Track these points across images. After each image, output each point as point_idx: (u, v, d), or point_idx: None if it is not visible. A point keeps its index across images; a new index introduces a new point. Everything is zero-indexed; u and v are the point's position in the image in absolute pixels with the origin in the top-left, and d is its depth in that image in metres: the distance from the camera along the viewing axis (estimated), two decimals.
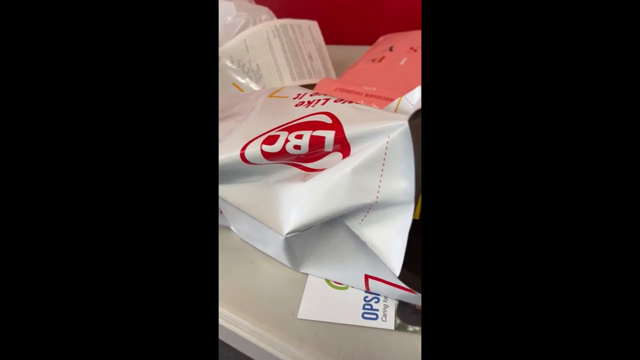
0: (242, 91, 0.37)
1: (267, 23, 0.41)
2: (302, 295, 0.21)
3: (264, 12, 0.45)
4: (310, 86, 0.40)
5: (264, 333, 0.20)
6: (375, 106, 0.34)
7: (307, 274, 0.22)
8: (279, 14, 0.46)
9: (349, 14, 0.55)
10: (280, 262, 0.23)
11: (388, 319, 0.19)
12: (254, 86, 0.38)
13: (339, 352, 0.18)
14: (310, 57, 0.42)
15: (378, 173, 0.16)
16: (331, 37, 0.53)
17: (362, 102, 0.34)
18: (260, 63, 0.40)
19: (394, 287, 0.18)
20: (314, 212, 0.18)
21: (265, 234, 0.21)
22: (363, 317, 0.19)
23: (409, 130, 0.16)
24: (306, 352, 0.18)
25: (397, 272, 0.16)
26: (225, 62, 0.39)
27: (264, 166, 0.21)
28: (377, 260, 0.18)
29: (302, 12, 0.48)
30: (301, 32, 0.43)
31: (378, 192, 0.17)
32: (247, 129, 0.22)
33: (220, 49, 0.42)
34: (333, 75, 0.44)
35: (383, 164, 0.16)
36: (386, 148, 0.16)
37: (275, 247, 0.21)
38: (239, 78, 0.38)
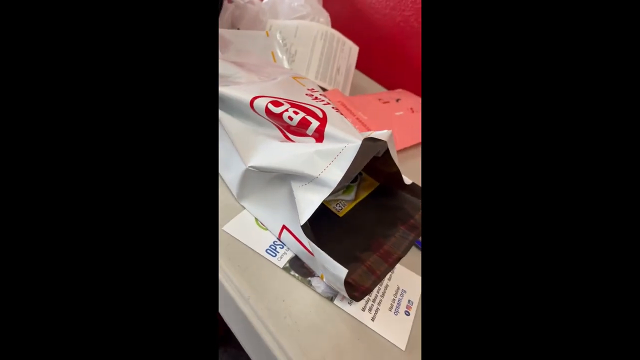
0: (275, 61, 0.44)
1: (322, 26, 0.49)
2: (234, 217, 0.27)
3: (324, 16, 0.52)
4: (323, 89, 0.48)
5: None
6: (357, 128, 0.41)
7: (244, 208, 0.28)
8: (335, 23, 0.53)
9: (388, 58, 0.63)
10: (228, 189, 0.29)
11: (281, 261, 0.26)
12: (286, 64, 0.45)
13: (238, 262, 0.25)
14: (338, 71, 0.50)
15: (328, 161, 0.24)
16: (363, 65, 0.61)
17: (350, 119, 0.41)
18: (299, 51, 0.47)
19: (297, 242, 0.25)
20: (276, 162, 0.25)
21: (233, 161, 0.27)
22: (266, 251, 0.26)
23: (359, 146, 0.23)
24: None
25: (302, 222, 0.23)
26: (275, 34, 0.45)
27: (261, 118, 0.27)
28: (296, 219, 0.24)
29: (353, 33, 0.56)
30: (342, 48, 0.50)
31: (322, 172, 0.23)
32: (264, 88, 0.28)
33: (274, 20, 0.48)
34: (347, 93, 0.51)
35: (334, 158, 0.24)
36: (342, 149, 0.23)
37: (233, 174, 0.28)
38: (278, 51, 0.45)
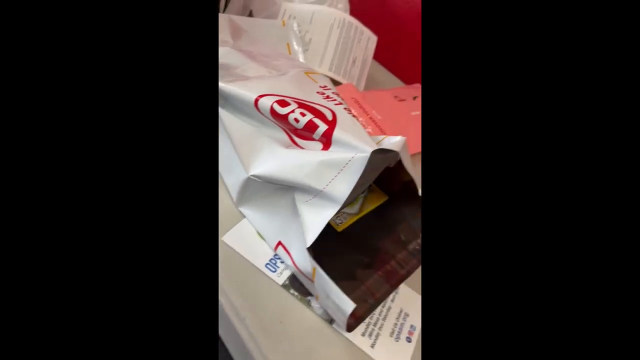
0: (290, 53, 0.41)
1: (339, 12, 0.45)
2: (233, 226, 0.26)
3: (343, 2, 0.48)
4: (337, 82, 0.45)
5: None
6: (369, 129, 0.39)
7: (244, 217, 0.27)
8: (354, 8, 0.49)
9: (408, 50, 0.59)
10: (228, 193, 0.27)
11: (281, 277, 0.24)
12: (301, 56, 0.42)
13: (236, 276, 0.23)
14: (354, 62, 0.46)
15: (334, 173, 0.21)
16: (381, 56, 0.57)
17: (362, 119, 0.38)
18: (314, 40, 0.44)
19: (291, 261, 0.23)
20: (278, 172, 0.23)
21: (235, 164, 0.25)
22: (265, 266, 0.24)
23: (367, 158, 0.21)
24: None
25: (309, 243, 0.21)
26: (292, 24, 0.42)
27: (265, 118, 0.25)
28: (293, 237, 0.23)
29: (372, 20, 0.52)
30: (359, 38, 0.47)
31: (327, 185, 0.21)
32: (272, 84, 0.26)
33: (289, 3, 0.45)
34: (361, 87, 0.48)
35: (341, 169, 0.21)
36: (349, 160, 0.21)
37: (235, 179, 0.26)
38: (294, 43, 0.42)
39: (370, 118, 0.40)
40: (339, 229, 0.29)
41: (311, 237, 0.21)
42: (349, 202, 0.22)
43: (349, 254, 0.27)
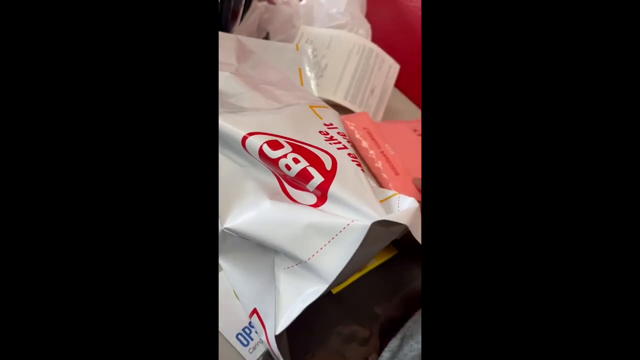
0: (302, 82, 0.38)
1: (360, 38, 0.42)
2: None
3: (365, 27, 0.45)
4: (351, 111, 0.41)
5: None
6: (379, 165, 0.34)
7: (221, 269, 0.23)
8: (376, 34, 0.46)
9: None
10: None
11: (254, 353, 0.20)
12: (313, 83, 0.38)
13: None
14: (372, 92, 0.43)
15: (324, 242, 0.17)
16: (403, 83, 0.53)
17: (373, 153, 0.34)
18: (330, 65, 0.41)
19: (265, 338, 0.19)
20: (258, 229, 0.19)
21: None
22: (237, 337, 0.20)
23: (367, 230, 0.16)
24: None
25: (278, 331, 0.17)
26: (306, 49, 0.39)
27: (254, 159, 0.21)
28: (270, 306, 0.18)
29: (395, 46, 0.49)
30: (380, 66, 0.43)
31: (313, 255, 0.17)
32: (267, 120, 0.23)
33: (307, 27, 0.42)
34: (378, 118, 0.44)
35: (332, 238, 0.17)
36: (344, 228, 0.17)
37: None
38: (307, 68, 0.39)
39: (382, 152, 0.36)
40: (334, 291, 0.24)
41: (283, 321, 0.17)
42: (341, 280, 0.17)
43: (343, 322, 0.23)
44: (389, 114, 0.46)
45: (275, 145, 0.21)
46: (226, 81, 0.27)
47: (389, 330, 0.24)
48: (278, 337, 0.17)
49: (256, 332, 0.21)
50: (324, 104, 0.29)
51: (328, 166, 0.20)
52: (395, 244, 0.28)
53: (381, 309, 0.24)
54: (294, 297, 0.17)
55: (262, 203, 0.20)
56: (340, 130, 0.25)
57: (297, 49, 0.39)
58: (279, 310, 0.17)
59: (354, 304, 0.24)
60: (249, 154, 0.21)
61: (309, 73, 0.39)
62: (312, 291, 0.17)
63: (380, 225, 0.17)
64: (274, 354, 0.18)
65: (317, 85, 0.40)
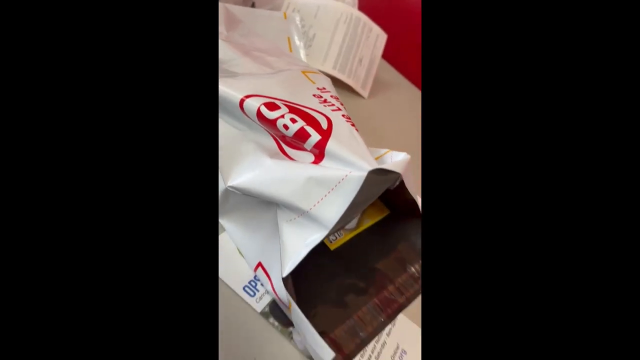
0: (290, 49, 0.38)
1: (347, 7, 0.42)
2: None
3: None
4: (340, 82, 0.41)
5: None
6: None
7: (224, 230, 0.24)
8: (363, 3, 0.46)
9: (419, 51, 0.56)
10: None
11: (260, 303, 0.21)
12: (302, 52, 0.39)
13: None
14: (360, 62, 0.43)
15: (324, 193, 0.18)
16: (391, 55, 0.54)
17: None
18: (318, 35, 0.41)
19: (271, 288, 0.20)
20: (260, 185, 0.20)
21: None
22: (244, 289, 0.21)
23: (364, 178, 0.18)
24: None
25: (285, 274, 0.18)
26: (294, 17, 0.39)
27: (252, 122, 0.22)
28: (274, 259, 0.20)
29: (383, 17, 0.49)
30: (368, 35, 0.43)
31: (314, 205, 0.18)
32: (262, 83, 0.23)
33: None
34: (368, 88, 0.45)
35: (332, 189, 0.18)
36: (342, 179, 0.18)
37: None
38: (296, 38, 0.39)
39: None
40: (332, 247, 0.26)
41: (289, 266, 0.18)
42: (339, 227, 0.18)
43: (342, 276, 0.24)
44: (377, 85, 0.47)
45: (272, 106, 0.21)
46: (219, 46, 0.27)
47: (383, 281, 0.25)
48: (285, 280, 0.18)
49: (262, 284, 0.22)
50: (315, 69, 0.29)
51: (324, 126, 0.21)
52: (386, 205, 0.30)
53: (375, 263, 0.26)
54: (298, 244, 0.18)
55: (263, 162, 0.20)
56: (333, 94, 0.26)
57: (285, 17, 0.39)
58: (284, 256, 0.19)
59: (351, 259, 0.25)
60: (247, 116, 0.22)
61: (297, 42, 0.39)
62: (314, 238, 0.18)
63: (376, 174, 0.18)
64: (280, 300, 0.20)
65: (307, 55, 0.40)
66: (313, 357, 0.19)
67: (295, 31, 0.39)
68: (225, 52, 0.27)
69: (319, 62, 0.41)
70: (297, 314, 0.18)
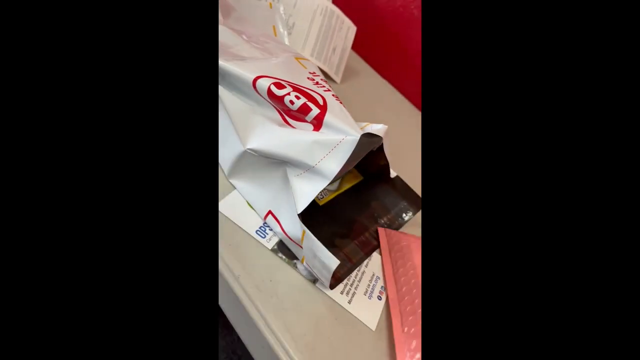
0: (275, 35, 0.42)
1: (323, 0, 0.47)
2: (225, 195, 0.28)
3: None
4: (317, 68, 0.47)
5: None
6: None
7: (234, 188, 0.29)
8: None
9: (384, 44, 0.63)
10: (219, 166, 0.29)
11: (270, 242, 0.27)
12: (286, 39, 0.43)
13: (229, 240, 0.25)
14: (334, 50, 0.49)
15: (325, 152, 0.24)
16: (360, 47, 0.60)
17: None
18: (297, 24, 0.46)
19: (280, 229, 0.26)
20: (274, 147, 0.25)
21: (228, 138, 0.27)
22: (256, 232, 0.27)
23: (357, 141, 0.24)
24: None
25: (300, 210, 0.24)
26: (279, 7, 0.43)
27: (261, 98, 0.27)
28: (283, 206, 0.25)
29: (352, 11, 0.55)
30: (340, 27, 0.49)
31: (318, 162, 0.24)
32: (267, 67, 0.28)
33: None
34: (339, 75, 0.51)
35: (331, 150, 0.24)
36: (340, 142, 0.24)
37: (228, 152, 0.28)
38: (280, 26, 0.43)
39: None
40: (321, 203, 0.32)
41: (302, 204, 0.24)
42: (336, 179, 0.25)
43: (329, 225, 0.31)
44: (348, 72, 0.53)
45: (279, 86, 0.26)
46: (224, 33, 0.31)
47: (361, 229, 0.32)
48: (300, 215, 0.24)
49: (271, 229, 0.28)
50: (304, 56, 0.35)
51: (320, 102, 0.27)
52: (361, 172, 0.36)
53: (354, 216, 0.33)
54: (307, 190, 0.24)
55: (274, 129, 0.26)
56: (322, 77, 0.32)
57: (271, 6, 0.43)
58: (297, 200, 0.24)
59: (335, 213, 0.32)
60: (259, 94, 0.27)
61: (281, 30, 0.43)
62: (320, 185, 0.24)
63: (365, 137, 0.25)
64: (289, 237, 0.26)
65: (289, 42, 0.45)
66: (317, 273, 0.25)
67: (280, 20, 0.43)
68: (229, 37, 0.31)
69: (299, 49, 0.46)
70: (309, 238, 0.24)
